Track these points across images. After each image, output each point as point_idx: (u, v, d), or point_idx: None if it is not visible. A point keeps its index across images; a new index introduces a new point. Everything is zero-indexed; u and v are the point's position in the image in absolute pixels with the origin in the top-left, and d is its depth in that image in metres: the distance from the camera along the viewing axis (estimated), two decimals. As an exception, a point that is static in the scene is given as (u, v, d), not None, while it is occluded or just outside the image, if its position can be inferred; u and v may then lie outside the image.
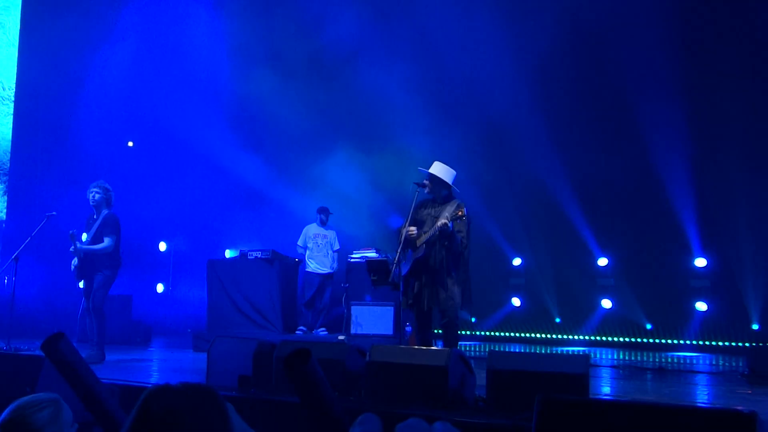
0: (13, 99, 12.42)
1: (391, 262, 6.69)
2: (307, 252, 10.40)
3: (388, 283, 6.58)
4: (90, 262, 7.81)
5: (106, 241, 7.82)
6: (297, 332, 9.94)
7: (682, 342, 10.04)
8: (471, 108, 10.97)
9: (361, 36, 11.39)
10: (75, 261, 7.86)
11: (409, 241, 6.37)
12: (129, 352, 9.03)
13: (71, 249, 7.79)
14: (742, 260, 9.52)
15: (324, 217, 10.53)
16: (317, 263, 10.32)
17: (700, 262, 9.92)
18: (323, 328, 10.08)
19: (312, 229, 10.51)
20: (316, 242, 10.44)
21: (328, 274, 10.34)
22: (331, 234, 10.53)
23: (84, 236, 8.05)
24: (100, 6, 12.70)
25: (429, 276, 6.30)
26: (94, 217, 7.99)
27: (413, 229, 6.33)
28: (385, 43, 11.44)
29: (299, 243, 10.49)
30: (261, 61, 12.27)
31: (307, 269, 10.42)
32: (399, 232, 6.56)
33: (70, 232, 7.89)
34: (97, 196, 7.93)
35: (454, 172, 6.52)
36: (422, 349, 5.02)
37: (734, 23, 9.68)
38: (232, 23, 12.68)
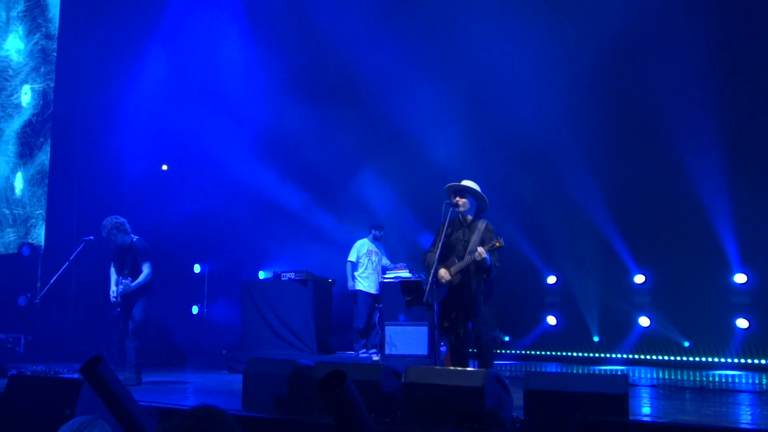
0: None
1: (425, 283, 6.69)
2: (359, 269, 10.27)
3: (423, 304, 6.58)
4: (131, 295, 7.97)
5: (146, 270, 7.99)
6: (362, 355, 9.77)
7: (723, 360, 9.81)
8: (504, 124, 10.87)
9: (393, 56, 11.43)
10: (115, 291, 7.97)
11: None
12: (165, 374, 9.09)
13: (120, 289, 7.89)
14: (783, 276, 9.31)
15: (378, 233, 10.35)
16: (370, 283, 10.16)
17: (740, 278, 9.70)
18: (374, 350, 9.80)
19: (366, 246, 10.32)
20: (370, 259, 10.25)
21: (377, 295, 10.10)
22: (380, 252, 10.40)
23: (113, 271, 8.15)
24: (134, 32, 12.93)
25: (464, 302, 6.31)
26: (123, 248, 8.11)
27: (444, 274, 6.34)
28: (417, 62, 11.46)
29: (351, 259, 10.26)
30: (293, 84, 12.38)
31: (357, 288, 10.22)
32: (426, 256, 6.59)
33: (115, 251, 8.10)
34: (118, 235, 8.04)
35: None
36: (458, 370, 4.99)
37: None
38: (265, 47, 12.84)
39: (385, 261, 10.41)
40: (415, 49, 11.54)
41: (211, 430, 2.00)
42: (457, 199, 6.50)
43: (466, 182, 6.57)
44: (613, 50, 10.15)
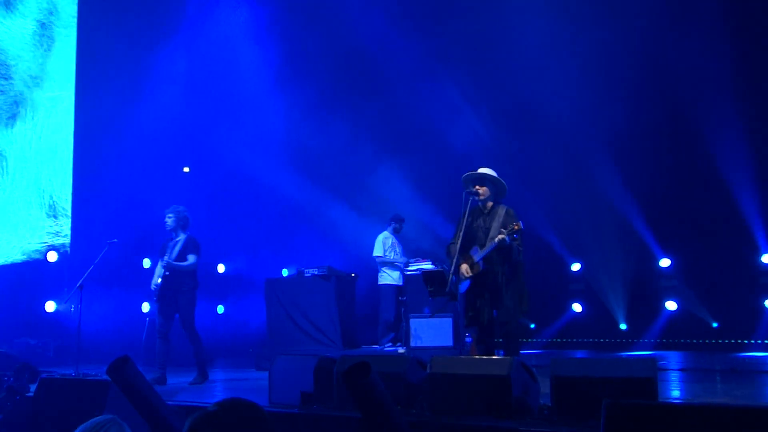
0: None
1: (447, 272, 6.67)
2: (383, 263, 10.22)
3: (446, 294, 6.57)
4: (171, 284, 8.02)
5: (191, 259, 8.08)
6: (387, 349, 9.64)
7: (752, 342, 9.70)
8: (526, 110, 10.79)
9: (411, 46, 11.36)
10: (157, 280, 8.04)
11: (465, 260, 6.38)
12: (192, 373, 9.14)
13: (161, 263, 8.00)
14: (812, 254, 9.17)
15: (398, 225, 10.29)
16: (396, 275, 10.14)
17: (768, 258, 9.59)
18: (400, 343, 9.69)
19: (389, 239, 10.26)
20: (394, 251, 10.20)
21: (402, 287, 10.06)
22: (399, 244, 10.36)
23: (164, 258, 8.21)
24: (154, 35, 12.97)
25: (489, 290, 6.30)
26: (174, 240, 8.21)
27: (465, 271, 6.34)
28: (437, 52, 11.40)
29: (377, 254, 10.17)
30: (310, 80, 12.37)
31: (382, 282, 10.17)
32: (449, 248, 6.58)
33: (163, 243, 8.19)
34: (170, 221, 8.18)
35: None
36: (484, 359, 4.96)
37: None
38: (281, 44, 12.82)
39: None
40: (436, 38, 11.48)
41: (243, 418, 2.02)
42: (477, 187, 6.49)
43: (483, 170, 6.57)
44: (637, 35, 10.04)
